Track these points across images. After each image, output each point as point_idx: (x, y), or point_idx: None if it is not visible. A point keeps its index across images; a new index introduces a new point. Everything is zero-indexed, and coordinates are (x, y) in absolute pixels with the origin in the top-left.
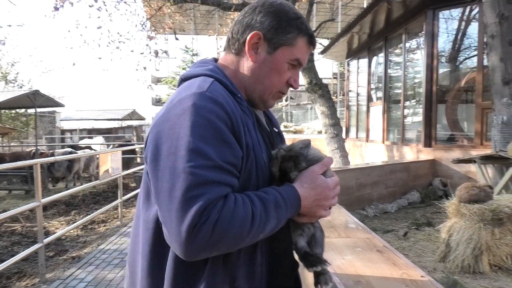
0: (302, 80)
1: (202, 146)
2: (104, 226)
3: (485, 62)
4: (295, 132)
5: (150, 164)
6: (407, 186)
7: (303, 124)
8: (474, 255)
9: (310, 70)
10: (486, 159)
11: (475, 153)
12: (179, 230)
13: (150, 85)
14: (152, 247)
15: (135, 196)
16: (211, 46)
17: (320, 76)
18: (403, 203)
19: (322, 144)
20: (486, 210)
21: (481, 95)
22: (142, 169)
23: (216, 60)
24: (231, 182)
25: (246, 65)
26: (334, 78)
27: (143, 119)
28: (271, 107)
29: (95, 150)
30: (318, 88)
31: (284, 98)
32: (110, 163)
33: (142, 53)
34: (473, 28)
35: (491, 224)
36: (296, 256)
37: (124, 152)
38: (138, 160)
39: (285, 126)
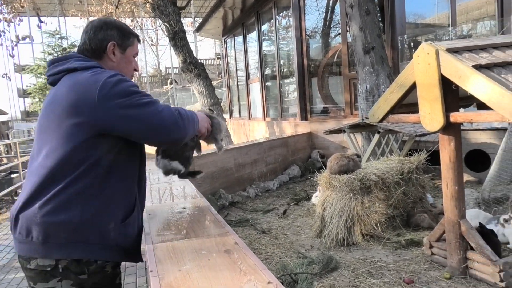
0: (176, 60)
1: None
2: None
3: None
4: None
5: (127, 114)
6: (287, 161)
7: (187, 106)
8: (347, 227)
9: (183, 48)
10: (354, 128)
11: (346, 122)
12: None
13: (6, 74)
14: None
15: None
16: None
17: (204, 56)
18: (284, 179)
19: None
20: (355, 180)
21: (348, 66)
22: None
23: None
24: None
25: (110, 64)
26: (218, 58)
27: (4, 113)
28: None
29: None
30: (194, 67)
31: (169, 81)
32: None
33: None
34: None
35: (360, 194)
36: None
37: None
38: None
39: None
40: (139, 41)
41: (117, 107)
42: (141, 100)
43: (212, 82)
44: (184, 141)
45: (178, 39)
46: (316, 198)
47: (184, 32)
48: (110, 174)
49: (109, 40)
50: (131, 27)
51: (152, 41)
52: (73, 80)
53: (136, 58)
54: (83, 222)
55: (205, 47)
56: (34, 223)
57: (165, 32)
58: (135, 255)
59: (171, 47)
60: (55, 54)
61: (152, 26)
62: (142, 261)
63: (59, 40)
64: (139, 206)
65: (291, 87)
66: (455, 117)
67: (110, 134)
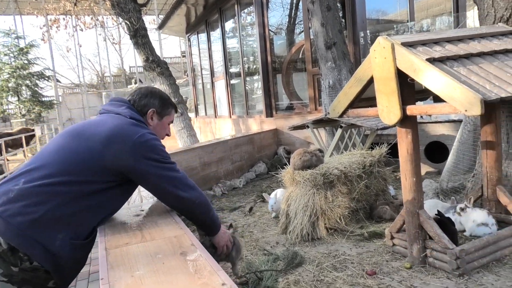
0: (138, 58)
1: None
2: None
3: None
4: None
5: (152, 165)
6: (254, 158)
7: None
8: (311, 222)
9: (145, 46)
10: (318, 123)
11: (311, 118)
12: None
13: None
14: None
15: None
16: (40, 27)
17: (169, 55)
18: (251, 176)
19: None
20: (318, 175)
21: (311, 62)
22: None
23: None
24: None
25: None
26: (183, 56)
27: None
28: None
29: None
30: (156, 65)
31: (133, 80)
32: None
33: None
34: None
35: (323, 188)
36: None
37: None
38: None
39: None
40: (176, 111)
41: (145, 157)
42: (165, 159)
43: (178, 81)
44: (189, 206)
45: (139, 36)
46: (271, 207)
47: (145, 29)
48: (93, 197)
49: (150, 107)
50: (90, 25)
51: (113, 39)
52: (122, 122)
53: (170, 125)
54: (41, 220)
55: (170, 45)
56: (8, 193)
57: (126, 30)
58: (64, 279)
59: (133, 45)
60: (11, 55)
61: (113, 24)
62: None
63: (16, 40)
64: (94, 239)
65: (256, 84)
66: (411, 110)
67: (125, 173)
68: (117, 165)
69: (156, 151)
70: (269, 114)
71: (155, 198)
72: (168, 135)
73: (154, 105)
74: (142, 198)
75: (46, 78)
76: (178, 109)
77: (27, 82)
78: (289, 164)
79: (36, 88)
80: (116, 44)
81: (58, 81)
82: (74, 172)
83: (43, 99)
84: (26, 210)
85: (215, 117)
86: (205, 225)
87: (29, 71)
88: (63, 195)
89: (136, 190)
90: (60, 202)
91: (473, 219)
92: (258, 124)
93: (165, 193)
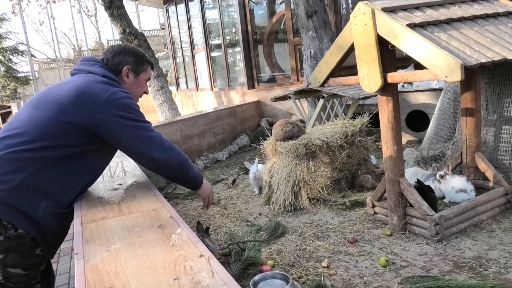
0: (115, 30)
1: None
2: None
3: None
4: None
5: (123, 124)
6: (236, 130)
7: None
8: (293, 192)
9: (121, 18)
10: (299, 94)
11: (293, 89)
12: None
13: None
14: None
15: None
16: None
17: (148, 27)
18: (233, 149)
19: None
20: (300, 145)
21: (292, 32)
22: None
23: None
24: None
25: (123, 84)
26: (163, 29)
27: None
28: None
29: None
30: (134, 37)
31: None
32: None
33: None
34: None
35: (305, 159)
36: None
37: None
38: None
39: None
40: (152, 68)
41: (117, 115)
42: (138, 117)
43: (158, 54)
44: (166, 168)
45: (115, 8)
46: (254, 174)
47: (121, 0)
48: (70, 162)
49: (124, 64)
50: None
51: (88, 11)
52: (92, 80)
53: (148, 83)
54: (19, 187)
55: (148, 18)
56: None
57: (101, 1)
58: (49, 246)
59: (109, 17)
60: None
61: None
62: (51, 257)
63: None
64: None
65: (238, 56)
66: (392, 77)
67: (98, 133)
68: (88, 124)
69: (128, 109)
70: (251, 86)
71: (135, 172)
72: (146, 93)
73: (129, 62)
74: (125, 172)
75: (20, 53)
76: (154, 66)
77: (0, 57)
78: (271, 135)
79: (10, 64)
80: (91, 16)
81: (33, 56)
82: (49, 136)
83: (18, 74)
84: (4, 178)
85: (197, 90)
86: (186, 183)
87: (1, 45)
88: (39, 160)
89: (120, 165)
90: (37, 168)
91: (452, 186)
92: (240, 96)
93: (138, 154)
